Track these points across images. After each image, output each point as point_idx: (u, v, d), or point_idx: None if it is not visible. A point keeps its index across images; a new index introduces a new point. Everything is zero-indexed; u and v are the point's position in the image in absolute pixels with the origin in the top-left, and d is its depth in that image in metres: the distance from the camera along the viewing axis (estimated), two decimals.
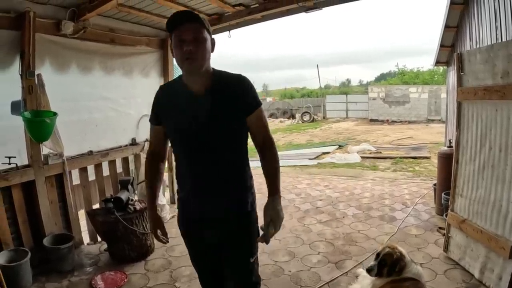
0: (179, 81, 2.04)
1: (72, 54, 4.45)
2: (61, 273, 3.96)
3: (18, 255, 3.70)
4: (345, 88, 55.66)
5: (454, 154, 3.99)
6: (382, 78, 59.71)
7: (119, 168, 5.27)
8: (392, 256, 2.94)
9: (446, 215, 4.20)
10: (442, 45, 6.51)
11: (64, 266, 4.02)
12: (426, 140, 14.78)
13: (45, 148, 4.11)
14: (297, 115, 29.68)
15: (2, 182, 3.72)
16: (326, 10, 4.87)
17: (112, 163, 5.11)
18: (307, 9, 4.70)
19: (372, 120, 25.56)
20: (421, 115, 24.17)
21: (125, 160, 5.33)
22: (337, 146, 14.22)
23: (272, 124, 27.76)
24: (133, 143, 5.35)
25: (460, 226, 3.78)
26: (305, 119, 28.43)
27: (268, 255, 4.21)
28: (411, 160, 10.60)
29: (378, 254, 3.05)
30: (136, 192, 4.94)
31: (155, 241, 4.54)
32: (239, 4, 4.80)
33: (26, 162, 4.02)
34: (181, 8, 4.49)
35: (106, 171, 5.01)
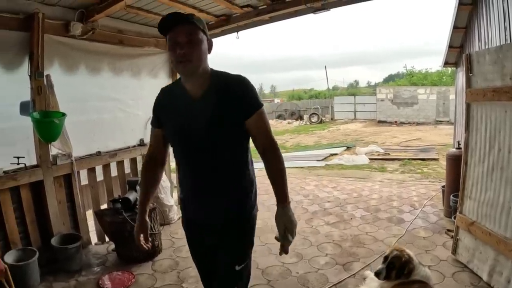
0: (179, 83, 2.01)
1: (81, 55, 4.47)
2: (68, 272, 3.98)
3: (26, 255, 3.72)
4: (353, 89, 55.73)
5: (462, 155, 3.96)
6: (390, 79, 59.47)
7: (127, 169, 5.30)
8: (401, 259, 2.92)
9: (455, 217, 4.17)
10: (450, 46, 6.46)
11: (72, 265, 4.03)
12: (435, 141, 14.67)
13: (54, 149, 4.14)
14: (305, 117, 29.63)
15: (10, 182, 3.75)
16: (334, 11, 4.86)
17: (120, 164, 5.14)
18: (315, 10, 4.69)
19: (380, 122, 25.44)
20: (430, 117, 24.00)
21: (133, 161, 5.35)
22: (345, 148, 14.16)
23: (280, 126, 27.79)
24: (141, 144, 5.36)
25: (468, 229, 3.75)
26: (313, 121, 28.37)
27: (275, 257, 4.19)
28: (420, 161, 10.53)
29: (386, 257, 3.03)
30: None
31: (163, 241, 4.60)
32: (247, 5, 4.81)
33: (34, 162, 4.04)
34: (189, 10, 4.51)
35: (114, 172, 5.05)
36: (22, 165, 3.87)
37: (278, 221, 1.92)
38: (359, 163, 10.55)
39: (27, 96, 3.86)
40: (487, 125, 3.52)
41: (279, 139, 18.96)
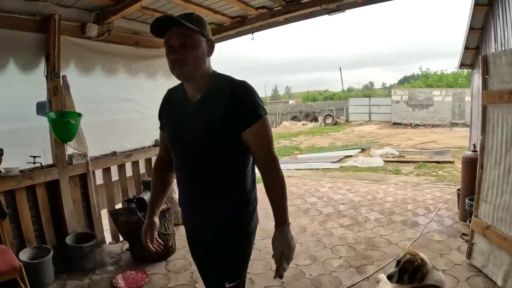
0: (182, 85, 1.92)
1: (97, 56, 4.53)
2: (82, 271, 4.02)
3: (41, 253, 3.78)
4: (368, 91, 55.37)
5: (478, 158, 3.90)
6: (405, 81, 58.97)
7: (142, 169, 5.33)
8: (413, 263, 2.89)
9: (470, 221, 4.11)
10: (466, 47, 6.39)
11: (86, 264, 4.08)
12: (450, 144, 14.51)
13: (70, 148, 4.19)
14: (320, 118, 29.46)
15: (26, 181, 3.81)
16: (349, 12, 4.83)
17: (135, 164, 5.18)
18: (330, 12, 4.66)
19: (395, 124, 25.20)
20: (445, 119, 23.72)
21: (148, 161, 5.38)
22: (360, 150, 14.08)
23: (295, 127, 27.70)
24: (156, 144, 5.36)
25: (484, 233, 3.70)
26: (327, 122, 28.22)
27: None
28: (435, 164, 10.40)
29: (398, 261, 3.00)
30: None
31: (177, 241, 4.61)
32: (262, 7, 4.80)
33: (50, 161, 4.11)
34: (204, 11, 4.53)
35: (129, 172, 5.09)
36: (38, 165, 3.93)
37: (274, 245, 1.82)
38: (374, 165, 10.48)
39: (43, 97, 3.92)
40: (504, 127, 3.46)
41: (293, 141, 19.19)
